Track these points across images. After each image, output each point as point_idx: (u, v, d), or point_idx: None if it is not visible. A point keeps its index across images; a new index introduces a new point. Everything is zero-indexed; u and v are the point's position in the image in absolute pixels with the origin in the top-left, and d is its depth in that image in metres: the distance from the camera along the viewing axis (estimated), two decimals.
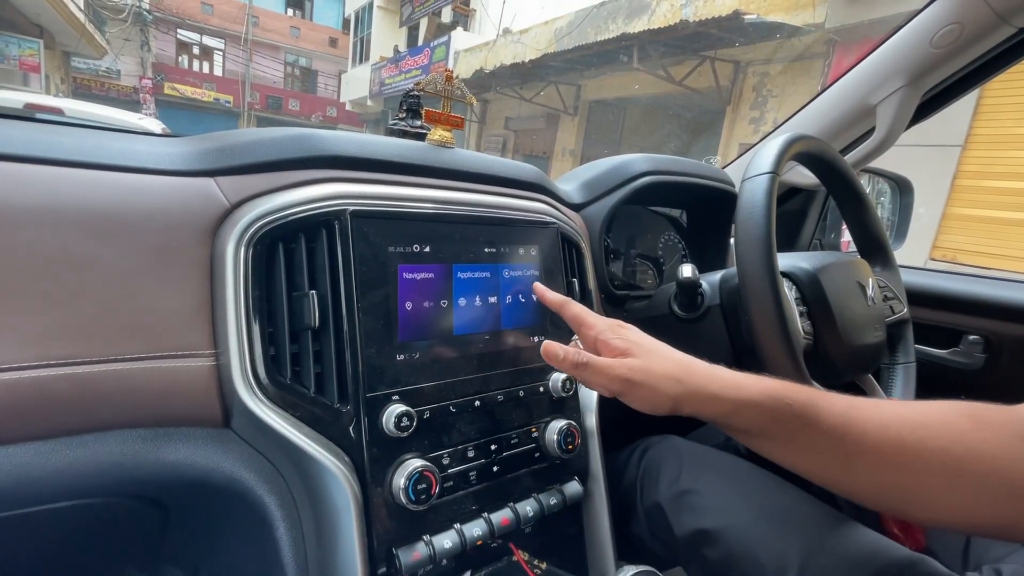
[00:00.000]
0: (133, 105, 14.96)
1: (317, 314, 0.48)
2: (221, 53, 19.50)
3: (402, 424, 0.48)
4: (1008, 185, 4.32)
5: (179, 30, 18.58)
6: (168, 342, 0.45)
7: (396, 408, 0.48)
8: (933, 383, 0.80)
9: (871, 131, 0.92)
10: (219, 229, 0.48)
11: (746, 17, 5.60)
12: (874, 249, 0.81)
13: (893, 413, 0.40)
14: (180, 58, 19.20)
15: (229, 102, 18.96)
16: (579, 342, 0.50)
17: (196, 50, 19.51)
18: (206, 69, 19.68)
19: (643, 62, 6.98)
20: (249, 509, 0.49)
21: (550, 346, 0.46)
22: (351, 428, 0.48)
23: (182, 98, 18.02)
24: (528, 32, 9.69)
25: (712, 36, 6.10)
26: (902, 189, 1.20)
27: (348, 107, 18.02)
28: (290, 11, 20.76)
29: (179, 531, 0.59)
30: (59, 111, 4.07)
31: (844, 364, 0.66)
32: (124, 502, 0.50)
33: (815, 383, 0.57)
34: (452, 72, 0.62)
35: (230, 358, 0.46)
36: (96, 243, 0.43)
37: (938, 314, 0.98)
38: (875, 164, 1.00)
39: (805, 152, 0.69)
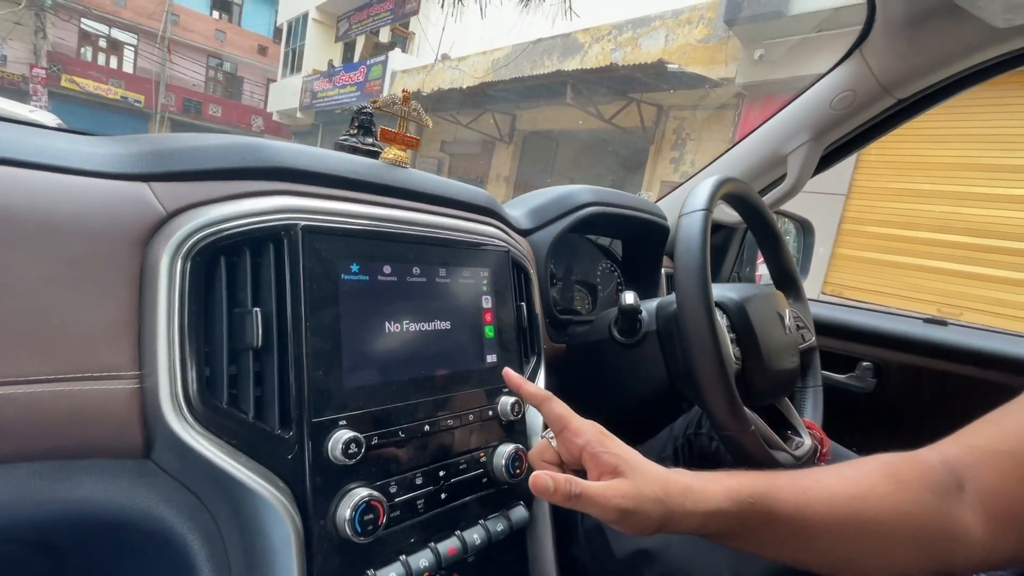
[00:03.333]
0: (20, 95, 13.34)
1: (260, 333, 0.45)
2: (133, 49, 18.04)
3: (350, 451, 0.46)
4: (883, 231, 4.97)
5: (83, 19, 17.00)
6: (82, 362, 0.40)
7: (343, 434, 0.46)
8: (834, 404, 0.89)
9: (783, 177, 1.03)
10: (152, 239, 0.44)
11: (669, 66, 6.09)
12: (788, 283, 0.89)
13: (833, 487, 0.43)
14: (83, 49, 17.50)
15: (139, 102, 17.47)
16: (553, 441, 0.48)
17: (103, 43, 17.91)
18: (114, 64, 18.09)
19: (576, 98, 7.34)
20: (167, 551, 0.44)
21: (540, 479, 0.42)
22: (293, 456, 0.45)
23: (82, 93, 16.36)
24: (466, 60, 9.89)
25: (639, 80, 6.56)
26: (805, 230, 1.34)
27: (275, 117, 17.25)
28: (216, 13, 19.73)
29: None
30: None
31: (767, 388, 0.71)
32: (4, 549, 0.43)
33: (744, 407, 0.62)
34: (409, 93, 0.62)
35: (157, 380, 0.42)
36: (2, 248, 0.38)
37: (837, 342, 1.10)
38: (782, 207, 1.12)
39: (732, 193, 0.76)
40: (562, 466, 0.48)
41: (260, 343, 0.45)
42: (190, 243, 0.44)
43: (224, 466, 0.42)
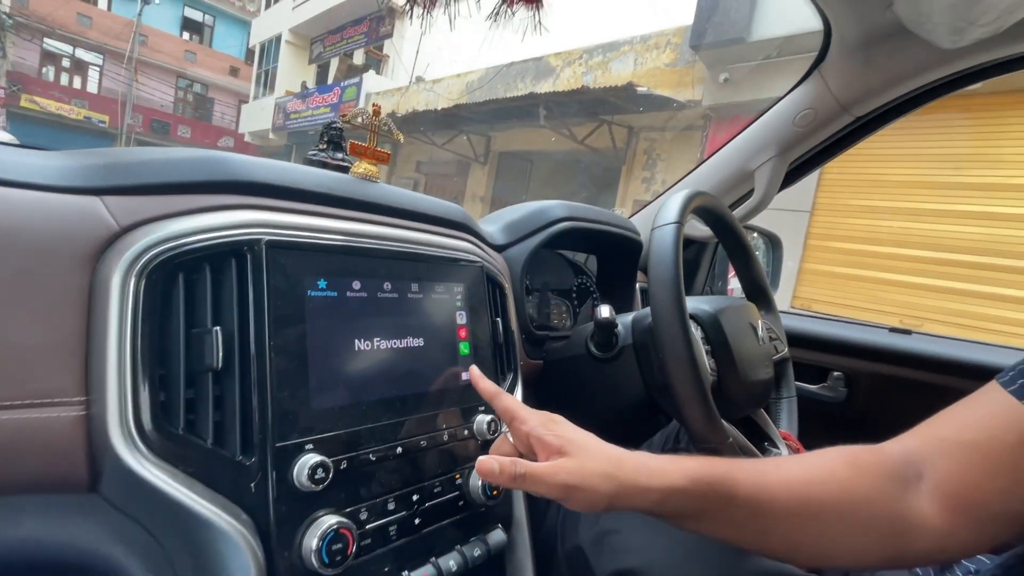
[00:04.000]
0: None
1: (221, 353, 0.43)
2: (98, 69, 17.66)
3: (316, 476, 0.43)
4: (846, 246, 5.15)
5: (46, 39, 16.59)
6: (19, 388, 0.37)
7: (310, 458, 0.44)
8: (808, 414, 0.90)
9: (751, 192, 1.06)
10: (103, 255, 0.42)
11: (638, 88, 6.28)
12: (759, 295, 0.90)
13: (793, 472, 0.44)
14: (45, 69, 17.05)
15: (104, 122, 17.04)
16: (509, 435, 0.50)
17: (66, 63, 17.49)
18: (78, 84, 17.65)
19: (549, 120, 7.48)
20: None
21: (485, 462, 0.44)
22: (255, 483, 0.42)
23: (43, 113, 15.88)
24: (440, 82, 10.01)
25: (610, 102, 6.73)
26: (774, 244, 1.37)
27: (247, 138, 17.03)
28: (186, 34, 19.53)
29: None
30: None
31: (743, 399, 0.71)
32: None
33: (721, 419, 0.62)
34: (379, 107, 0.62)
35: (106, 406, 0.39)
36: None
37: (808, 353, 1.12)
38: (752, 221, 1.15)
39: (703, 207, 0.77)
40: (521, 459, 0.47)
41: (220, 364, 0.43)
42: (145, 259, 0.41)
43: (179, 497, 0.39)
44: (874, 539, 0.42)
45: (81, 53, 17.45)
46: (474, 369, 0.55)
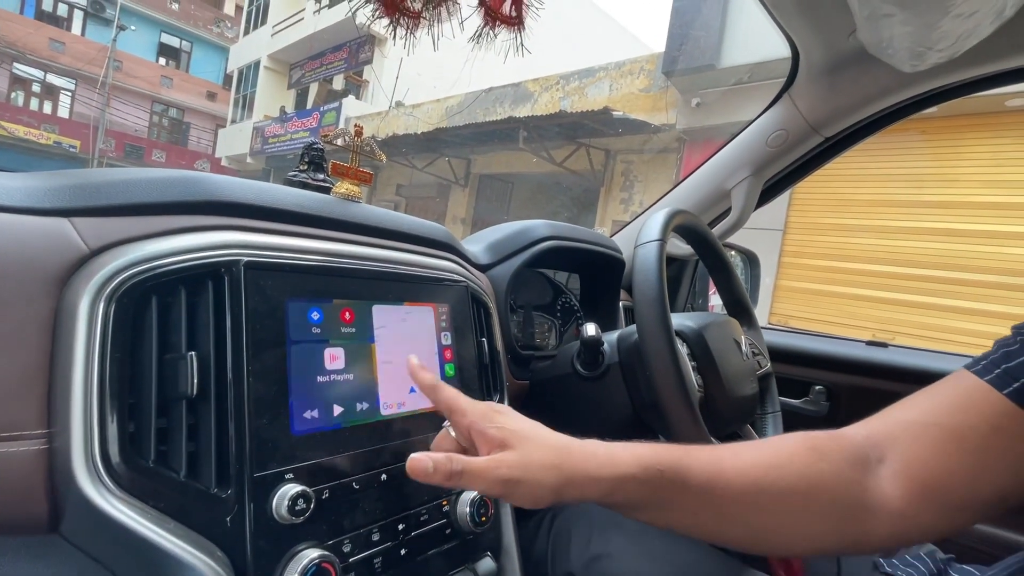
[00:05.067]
0: None
1: (196, 379, 0.41)
2: (70, 94, 17.38)
3: (297, 507, 0.41)
4: (819, 263, 5.30)
5: (16, 64, 16.30)
6: None
7: (290, 489, 0.42)
8: (792, 428, 0.90)
9: (729, 210, 1.08)
10: (71, 279, 0.40)
11: (614, 113, 6.45)
12: (740, 310, 0.92)
13: (750, 457, 0.43)
14: (13, 94, 16.71)
15: (75, 147, 16.70)
16: (451, 429, 0.46)
17: (37, 87, 17.18)
18: (48, 109, 17.32)
19: (528, 143, 7.61)
20: None
21: (417, 460, 0.39)
22: (231, 517, 0.40)
23: (10, 138, 15.50)
24: (420, 107, 10.11)
25: (587, 126, 6.89)
26: (751, 261, 1.40)
27: (224, 162, 16.86)
28: (163, 60, 19.42)
29: None
30: None
31: (730, 415, 0.71)
32: None
33: (710, 436, 0.61)
34: (362, 127, 0.61)
35: (70, 438, 0.37)
36: None
37: (790, 368, 1.13)
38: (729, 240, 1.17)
39: (683, 224, 0.78)
40: (465, 454, 0.44)
41: (195, 391, 0.41)
42: (115, 282, 0.40)
43: (148, 535, 0.37)
44: (833, 525, 0.41)
45: (52, 78, 17.18)
46: (412, 359, 0.48)
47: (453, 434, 0.46)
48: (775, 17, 0.82)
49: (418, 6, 0.48)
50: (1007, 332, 0.43)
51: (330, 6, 12.77)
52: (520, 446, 0.41)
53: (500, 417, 0.44)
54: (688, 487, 0.40)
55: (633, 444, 0.43)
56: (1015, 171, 4.38)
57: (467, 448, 0.45)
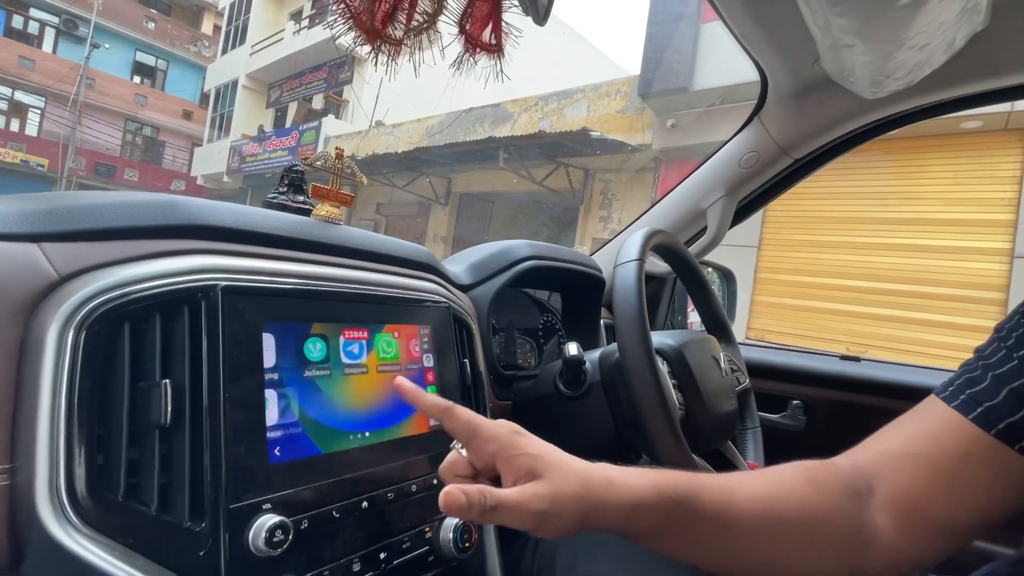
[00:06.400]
0: None
1: (170, 408, 0.40)
2: (39, 112, 16.99)
3: (275, 539, 0.40)
4: (793, 278, 5.44)
5: None
6: None
7: (267, 519, 0.40)
8: (770, 444, 0.91)
9: (705, 229, 1.11)
10: (39, 306, 0.38)
11: (592, 133, 6.59)
12: (718, 327, 0.93)
13: (755, 488, 0.43)
14: None
15: (43, 166, 16.27)
16: (463, 451, 0.43)
17: (3, 105, 16.77)
18: (16, 128, 16.89)
19: (508, 163, 7.70)
20: None
21: (451, 494, 0.36)
22: (206, 551, 0.39)
23: None
24: (401, 126, 10.17)
25: (566, 146, 7.02)
26: (728, 278, 1.43)
27: (200, 181, 16.60)
28: (137, 78, 19.17)
29: None
30: None
31: (711, 432, 0.72)
32: None
33: (692, 453, 0.62)
34: (342, 150, 0.61)
35: (34, 473, 0.35)
36: None
37: (767, 383, 1.15)
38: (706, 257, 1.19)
39: (661, 244, 0.80)
40: (476, 477, 0.42)
41: (169, 420, 0.40)
42: (86, 310, 0.39)
43: (115, 573, 0.35)
44: (833, 555, 0.41)
45: (21, 96, 16.79)
46: (404, 382, 0.44)
47: (464, 454, 0.43)
48: (744, 46, 0.85)
49: (399, 34, 0.49)
50: (970, 342, 0.44)
51: (309, 27, 12.84)
52: (548, 475, 0.40)
53: (522, 441, 0.42)
54: (701, 516, 0.40)
55: (647, 470, 0.43)
56: (973, 189, 4.60)
57: (479, 469, 0.43)
